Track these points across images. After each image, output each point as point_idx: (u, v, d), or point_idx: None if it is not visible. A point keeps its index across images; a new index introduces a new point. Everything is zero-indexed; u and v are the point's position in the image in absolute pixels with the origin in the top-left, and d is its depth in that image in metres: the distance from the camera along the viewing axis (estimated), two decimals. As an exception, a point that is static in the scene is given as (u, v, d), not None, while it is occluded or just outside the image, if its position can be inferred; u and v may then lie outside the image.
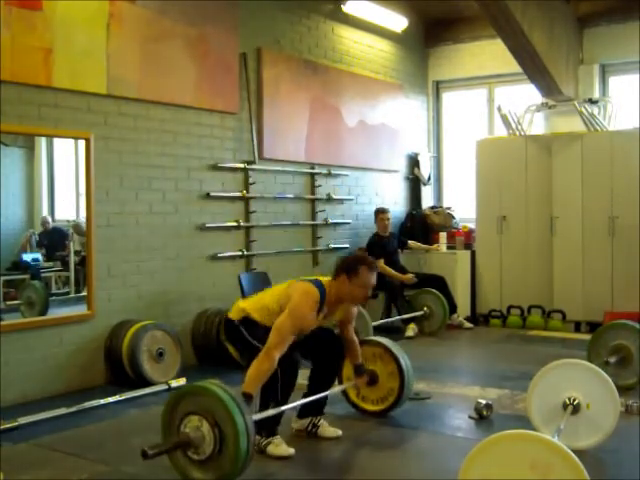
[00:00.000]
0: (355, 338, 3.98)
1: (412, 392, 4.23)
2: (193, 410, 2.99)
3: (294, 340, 3.46)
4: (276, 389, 3.48)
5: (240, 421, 2.88)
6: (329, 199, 7.19)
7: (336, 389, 4.03)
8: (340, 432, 3.80)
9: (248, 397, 3.12)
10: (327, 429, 3.80)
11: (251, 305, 3.71)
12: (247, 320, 3.65)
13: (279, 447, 3.51)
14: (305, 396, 3.84)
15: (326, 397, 3.86)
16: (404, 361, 4.06)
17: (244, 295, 5.37)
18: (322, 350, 3.82)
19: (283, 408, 3.53)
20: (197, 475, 3.01)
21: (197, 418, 2.96)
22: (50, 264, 5.19)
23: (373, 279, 3.61)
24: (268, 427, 3.53)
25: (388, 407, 4.10)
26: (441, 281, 7.29)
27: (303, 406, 3.83)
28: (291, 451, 3.50)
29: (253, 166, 6.27)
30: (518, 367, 5.37)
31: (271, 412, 3.41)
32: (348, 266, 3.59)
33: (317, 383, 3.84)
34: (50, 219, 5.17)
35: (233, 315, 3.73)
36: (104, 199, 5.07)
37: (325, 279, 3.67)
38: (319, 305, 3.54)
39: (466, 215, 8.22)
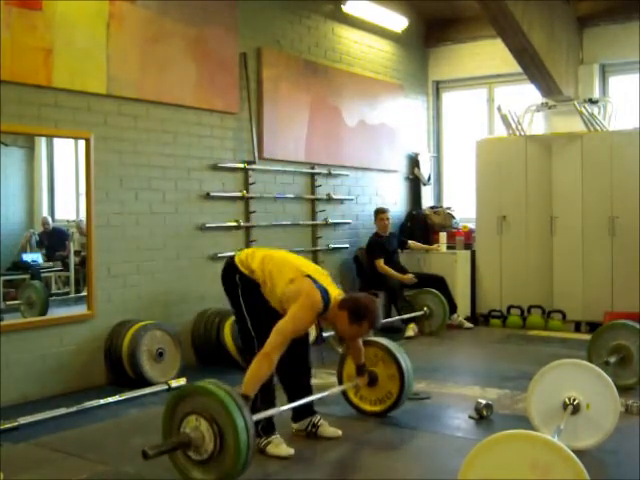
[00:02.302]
0: (359, 340, 3.96)
1: (411, 393, 4.23)
2: (192, 410, 2.98)
3: None
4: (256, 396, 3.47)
5: (239, 419, 2.88)
6: (329, 199, 7.19)
7: (336, 389, 4.03)
8: (340, 432, 3.79)
9: (247, 399, 3.12)
10: (327, 429, 3.80)
11: (260, 268, 3.62)
12: (249, 281, 3.59)
13: (279, 447, 3.52)
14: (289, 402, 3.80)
15: (310, 394, 3.83)
16: (405, 365, 4.06)
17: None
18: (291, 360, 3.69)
19: (284, 408, 3.53)
20: (198, 476, 3.00)
21: (195, 418, 2.95)
22: (50, 264, 5.19)
23: (369, 333, 3.76)
24: (264, 427, 3.53)
25: (386, 409, 4.11)
26: (441, 281, 7.30)
27: (295, 410, 3.80)
28: (291, 451, 3.51)
29: (253, 166, 6.27)
30: (518, 367, 5.37)
31: (270, 412, 3.41)
32: (356, 311, 3.51)
33: (293, 389, 3.80)
34: (50, 219, 5.17)
35: (239, 264, 3.65)
36: (104, 199, 5.07)
37: (333, 292, 3.57)
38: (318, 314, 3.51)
39: (466, 215, 8.22)
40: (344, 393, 4.19)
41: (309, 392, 3.83)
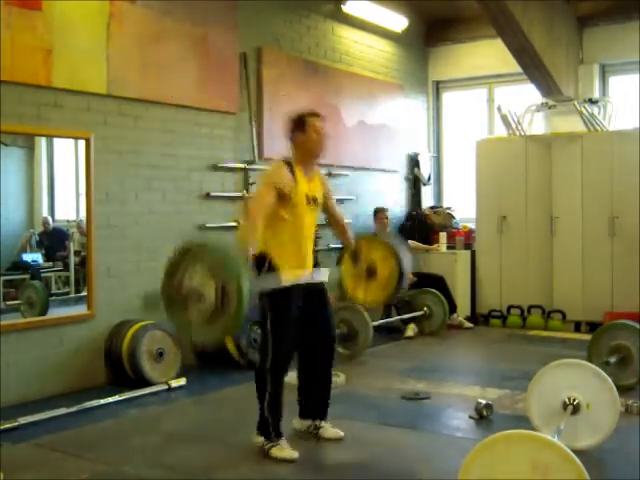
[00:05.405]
0: (342, 217, 4.17)
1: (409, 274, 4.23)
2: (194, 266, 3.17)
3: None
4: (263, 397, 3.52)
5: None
6: (329, 199, 7.17)
7: (334, 276, 4.07)
8: (342, 434, 3.78)
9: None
10: (328, 430, 3.79)
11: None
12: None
13: (283, 450, 3.50)
14: (299, 399, 3.81)
15: (327, 400, 3.82)
16: (392, 242, 4.12)
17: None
18: (313, 344, 3.74)
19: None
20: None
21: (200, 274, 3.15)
22: (50, 264, 5.19)
23: (320, 122, 3.76)
24: (272, 431, 3.53)
25: (394, 289, 4.12)
26: (441, 281, 7.29)
27: (305, 407, 3.82)
28: (295, 455, 3.49)
29: (253, 166, 6.26)
30: (518, 367, 5.37)
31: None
32: (294, 123, 3.78)
33: (310, 384, 3.79)
34: (50, 219, 5.18)
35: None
36: (104, 199, 5.07)
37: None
38: (289, 168, 3.66)
39: (466, 215, 8.21)
40: (350, 299, 4.30)
41: (326, 400, 3.81)
